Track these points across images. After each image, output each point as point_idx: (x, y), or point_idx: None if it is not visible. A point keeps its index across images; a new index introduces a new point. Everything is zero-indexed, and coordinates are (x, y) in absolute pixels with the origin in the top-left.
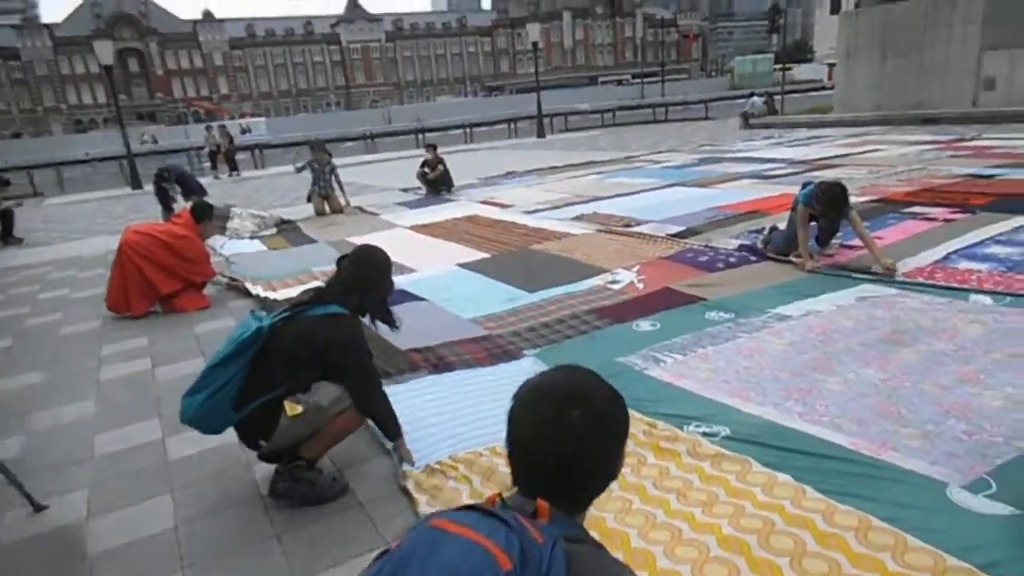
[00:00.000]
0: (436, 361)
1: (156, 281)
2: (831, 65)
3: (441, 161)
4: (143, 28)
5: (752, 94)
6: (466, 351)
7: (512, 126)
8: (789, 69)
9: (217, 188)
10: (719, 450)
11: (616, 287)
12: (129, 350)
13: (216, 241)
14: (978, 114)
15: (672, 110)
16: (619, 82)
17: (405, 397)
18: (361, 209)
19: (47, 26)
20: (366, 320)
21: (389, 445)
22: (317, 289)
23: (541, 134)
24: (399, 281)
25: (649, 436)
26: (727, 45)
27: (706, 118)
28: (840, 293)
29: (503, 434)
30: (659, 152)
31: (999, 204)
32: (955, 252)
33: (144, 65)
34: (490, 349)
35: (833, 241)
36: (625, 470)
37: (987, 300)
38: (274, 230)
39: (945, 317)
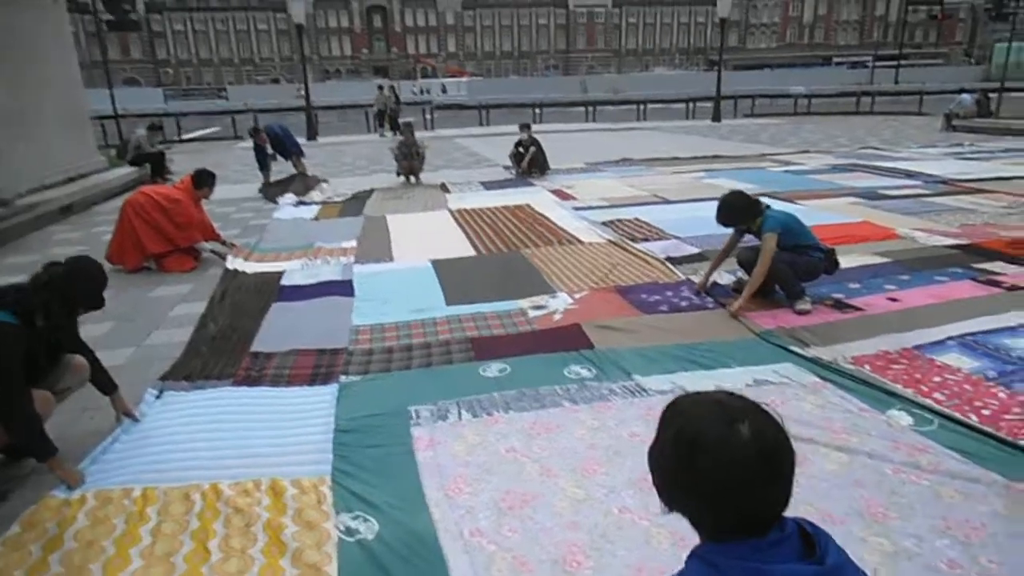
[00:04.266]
0: (257, 372)
1: (144, 239)
2: None
3: (535, 143)
4: None
5: (962, 90)
6: (297, 365)
7: (691, 106)
8: None
9: (365, 146)
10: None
11: (534, 314)
12: None
13: (283, 200)
14: None
15: (882, 101)
16: (853, 65)
17: (177, 408)
18: (443, 186)
19: None
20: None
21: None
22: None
23: (717, 118)
24: (363, 270)
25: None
26: (1006, 28)
27: (919, 113)
28: (745, 369)
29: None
30: (806, 152)
31: None
32: (961, 336)
33: (385, 21)
34: (320, 367)
35: (810, 294)
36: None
37: (906, 419)
38: (348, 194)
39: (822, 437)
